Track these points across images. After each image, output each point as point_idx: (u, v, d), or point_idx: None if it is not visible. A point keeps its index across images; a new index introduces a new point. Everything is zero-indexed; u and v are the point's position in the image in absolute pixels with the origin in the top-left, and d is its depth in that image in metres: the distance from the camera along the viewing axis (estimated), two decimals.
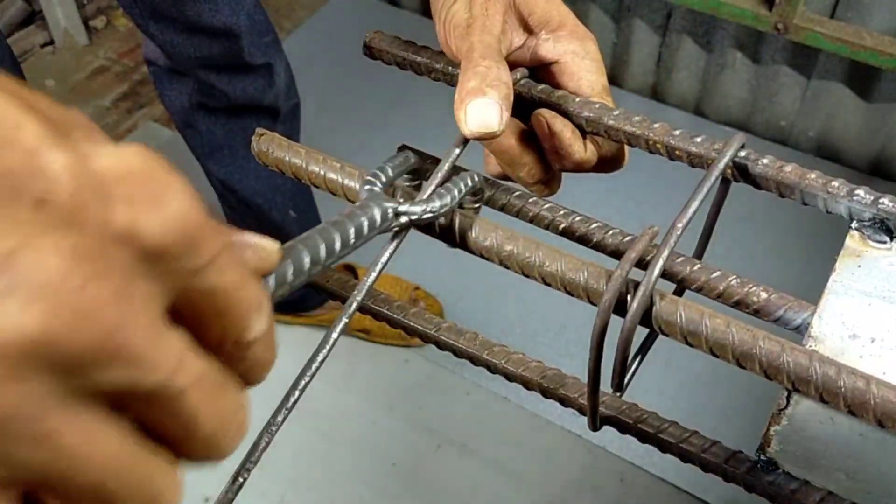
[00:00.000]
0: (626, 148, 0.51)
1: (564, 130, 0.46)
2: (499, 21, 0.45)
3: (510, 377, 0.45)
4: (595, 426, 0.43)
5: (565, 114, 0.46)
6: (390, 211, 0.34)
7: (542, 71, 0.50)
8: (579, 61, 0.48)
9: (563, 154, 0.47)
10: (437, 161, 0.54)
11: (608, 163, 0.51)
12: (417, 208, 0.35)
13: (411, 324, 0.46)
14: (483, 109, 0.41)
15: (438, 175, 0.39)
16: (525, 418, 1.63)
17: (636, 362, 0.44)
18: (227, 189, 1.46)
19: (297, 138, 1.50)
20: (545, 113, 0.46)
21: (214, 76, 1.27)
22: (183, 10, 1.17)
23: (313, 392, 1.71)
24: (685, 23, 1.97)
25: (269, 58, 1.30)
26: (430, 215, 0.35)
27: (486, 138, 0.42)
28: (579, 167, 0.48)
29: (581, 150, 0.47)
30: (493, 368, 0.46)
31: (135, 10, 1.18)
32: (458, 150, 0.41)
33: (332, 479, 1.58)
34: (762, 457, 0.40)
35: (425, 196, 0.38)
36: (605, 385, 0.41)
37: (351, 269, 1.76)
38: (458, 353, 0.47)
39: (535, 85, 0.47)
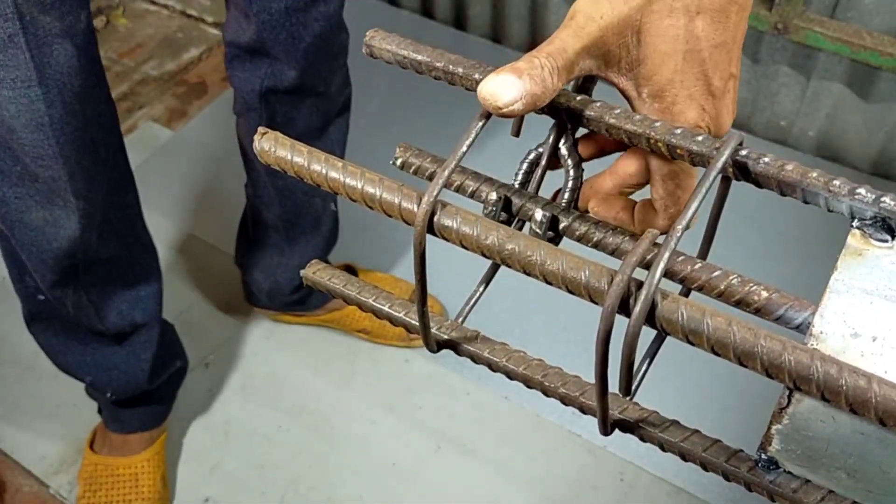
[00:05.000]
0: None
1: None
2: (595, 34, 0.43)
3: (511, 375, 0.45)
4: (606, 431, 0.43)
5: (568, 110, 0.46)
6: None
7: None
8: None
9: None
10: (437, 160, 0.54)
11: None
12: None
13: (412, 322, 0.46)
14: (504, 84, 0.40)
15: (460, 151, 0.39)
16: (525, 418, 1.63)
17: (644, 366, 0.44)
18: (272, 174, 1.46)
19: (346, 129, 1.50)
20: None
21: (298, 58, 1.27)
22: None
23: (313, 392, 1.71)
24: None
25: (345, 30, 1.33)
26: None
27: (492, 110, 0.40)
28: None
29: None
30: (493, 367, 0.46)
31: None
32: (480, 123, 0.41)
33: (332, 479, 1.58)
34: (763, 456, 0.40)
35: None
36: (613, 389, 0.41)
37: (351, 270, 1.76)
38: (459, 351, 0.47)
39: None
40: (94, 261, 1.25)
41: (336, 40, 1.31)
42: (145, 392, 1.49)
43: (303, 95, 1.34)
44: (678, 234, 0.37)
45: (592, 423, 0.43)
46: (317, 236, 1.58)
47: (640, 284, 0.36)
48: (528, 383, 0.45)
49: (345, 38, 1.34)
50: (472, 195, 0.51)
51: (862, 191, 0.39)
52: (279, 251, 1.59)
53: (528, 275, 0.38)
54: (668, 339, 0.39)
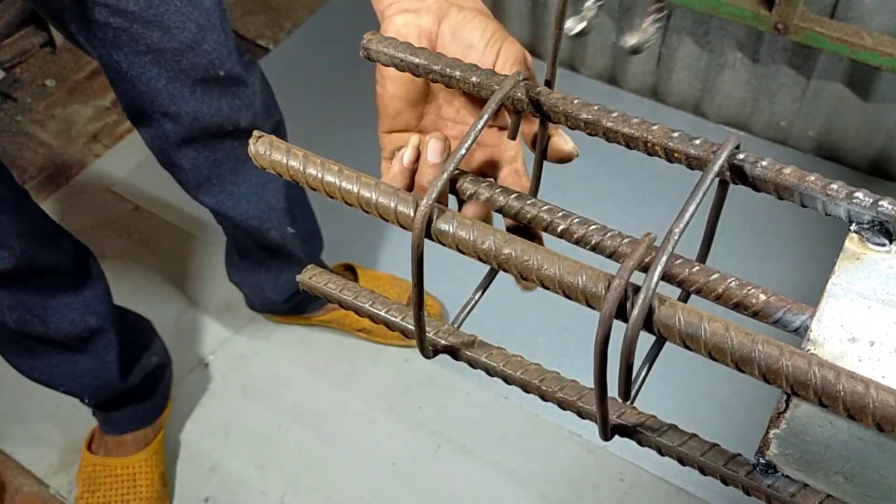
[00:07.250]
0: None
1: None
2: None
3: (508, 380, 0.45)
4: (607, 436, 0.43)
5: (565, 115, 0.46)
6: None
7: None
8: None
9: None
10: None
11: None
12: None
13: (409, 327, 0.46)
14: None
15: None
16: (525, 418, 1.63)
17: (644, 371, 0.44)
18: (222, 216, 1.44)
19: None
20: None
21: (187, 94, 1.20)
22: (147, 34, 1.11)
23: (313, 392, 1.71)
24: (685, 23, 1.97)
25: (241, 70, 1.24)
26: None
27: None
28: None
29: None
30: (491, 371, 0.46)
31: (92, 39, 1.11)
32: (479, 126, 0.41)
33: (332, 479, 1.58)
34: (761, 460, 0.40)
35: None
36: (612, 394, 0.41)
37: (351, 269, 1.76)
38: (456, 356, 0.47)
39: (533, 87, 0.47)
40: (11, 277, 1.23)
41: (224, 82, 1.22)
42: (126, 391, 1.48)
43: (218, 138, 1.28)
44: (675, 238, 0.37)
45: (592, 423, 0.43)
46: (293, 257, 1.55)
47: (637, 289, 0.35)
48: (526, 388, 0.44)
49: (241, 73, 1.24)
50: (469, 197, 0.50)
51: (859, 195, 0.39)
52: (265, 267, 1.58)
53: (526, 279, 0.38)
54: (667, 342, 0.39)
